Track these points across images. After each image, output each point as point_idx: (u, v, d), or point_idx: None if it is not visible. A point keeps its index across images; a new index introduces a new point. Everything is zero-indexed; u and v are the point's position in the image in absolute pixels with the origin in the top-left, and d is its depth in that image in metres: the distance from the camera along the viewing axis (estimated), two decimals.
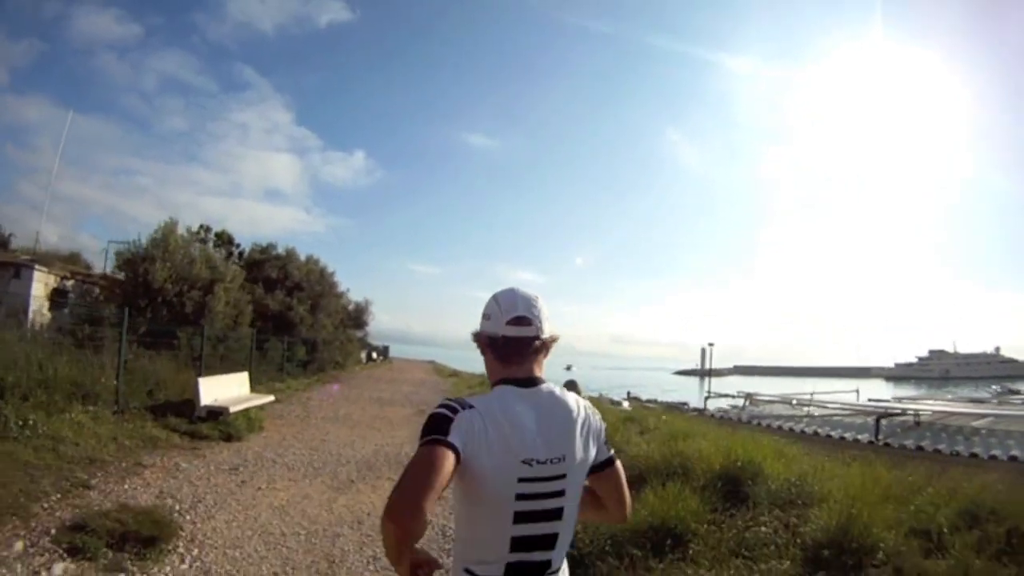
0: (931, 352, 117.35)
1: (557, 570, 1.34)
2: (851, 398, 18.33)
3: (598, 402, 22.16)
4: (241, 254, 22.33)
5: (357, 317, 26.60)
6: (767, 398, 16.89)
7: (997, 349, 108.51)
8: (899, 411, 11.33)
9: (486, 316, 1.40)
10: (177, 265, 12.76)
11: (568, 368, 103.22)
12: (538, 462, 1.26)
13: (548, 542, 1.30)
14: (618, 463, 1.47)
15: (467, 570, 1.29)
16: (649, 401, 50.58)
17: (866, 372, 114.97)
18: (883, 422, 10.27)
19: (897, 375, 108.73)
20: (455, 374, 31.62)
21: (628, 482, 1.51)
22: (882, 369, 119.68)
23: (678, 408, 45.25)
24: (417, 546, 1.13)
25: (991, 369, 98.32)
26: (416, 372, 33.19)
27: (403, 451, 8.93)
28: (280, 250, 21.74)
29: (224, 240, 22.58)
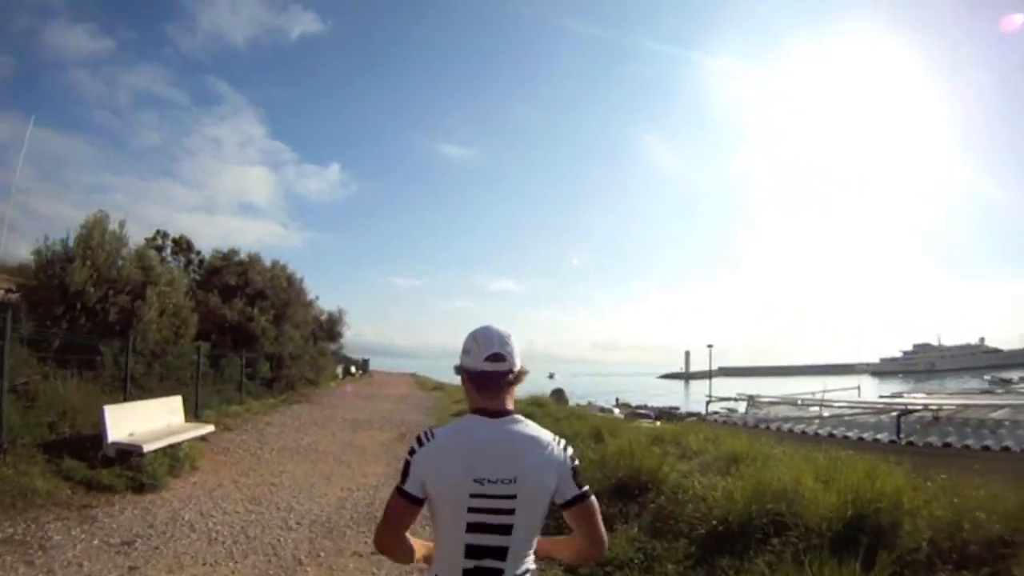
0: (916, 346, 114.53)
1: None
2: (852, 395, 16.78)
3: (585, 410, 19.57)
4: (202, 262, 19.89)
5: (330, 328, 23.84)
6: (769, 399, 15.60)
7: (982, 340, 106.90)
8: (920, 407, 10.27)
9: (466, 352, 1.52)
10: (101, 265, 10.32)
11: (551, 376, 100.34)
12: (489, 481, 1.40)
13: (499, 553, 1.43)
14: (591, 499, 1.49)
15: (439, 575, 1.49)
16: (639, 407, 48.73)
17: (850, 368, 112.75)
18: (902, 420, 9.35)
19: (883, 370, 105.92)
20: (439, 387, 29.14)
21: (705, 546, 2.18)
22: (867, 365, 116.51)
23: (670, 413, 43.40)
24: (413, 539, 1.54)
25: (976, 360, 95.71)
26: (398, 387, 30.63)
27: (377, 498, 6.58)
28: (244, 256, 19.30)
29: (182, 247, 20.10)
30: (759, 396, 16.09)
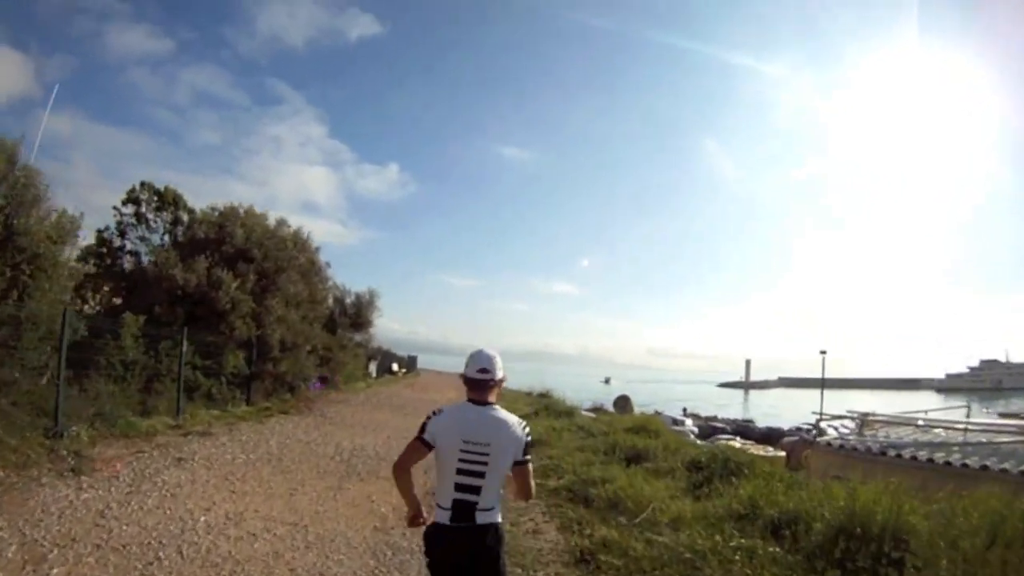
0: (983, 362, 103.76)
1: (486, 508, 2.27)
2: (961, 415, 13.97)
3: (656, 418, 17.51)
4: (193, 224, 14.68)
5: (357, 314, 18.17)
6: (883, 418, 12.79)
7: None
8: None
9: (466, 365, 2.38)
10: None
11: (607, 382, 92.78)
12: (472, 443, 2.25)
13: (475, 490, 2.25)
14: (529, 464, 2.37)
15: (438, 504, 2.28)
16: (710, 419, 41.72)
17: (915, 384, 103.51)
18: None
19: (948, 386, 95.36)
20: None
21: None
22: (931, 381, 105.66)
23: (747, 428, 35.69)
24: (418, 497, 2.40)
25: None
26: (446, 390, 24.28)
27: None
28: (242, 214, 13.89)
29: (168, 201, 14.95)
30: (873, 414, 13.20)
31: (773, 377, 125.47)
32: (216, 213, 14.03)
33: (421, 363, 48.35)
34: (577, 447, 8.99)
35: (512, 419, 2.34)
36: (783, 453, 15.04)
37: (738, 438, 25.52)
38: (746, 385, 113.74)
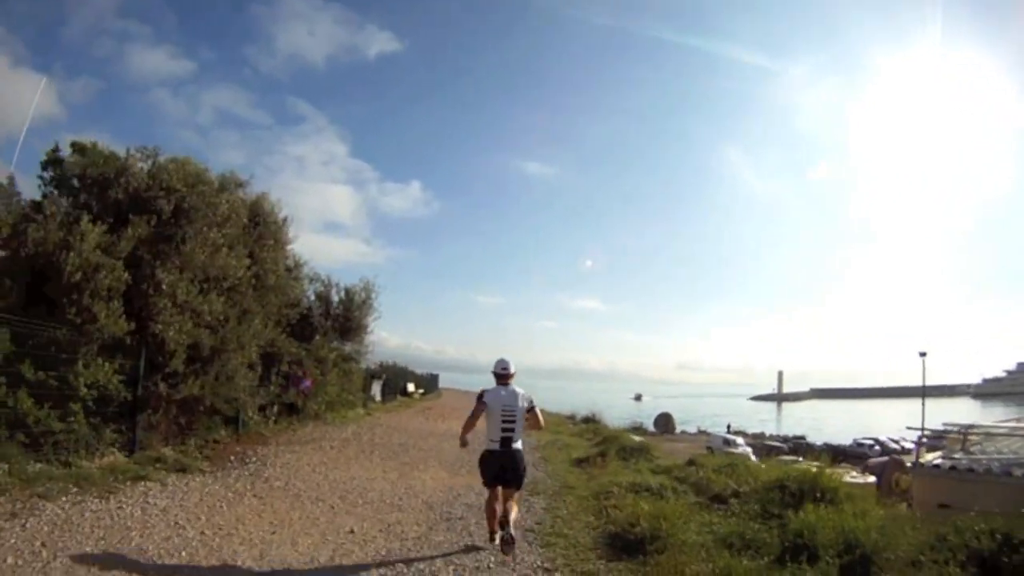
0: (1020, 364, 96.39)
1: (517, 440, 4.78)
2: None
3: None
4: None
5: (344, 316, 12.78)
6: (986, 429, 11.04)
7: None
8: None
9: (495, 365, 5.05)
10: None
11: (637, 398, 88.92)
12: (507, 406, 4.77)
13: (511, 430, 4.73)
14: (535, 408, 4.94)
15: (491, 439, 4.77)
16: (758, 436, 38.16)
17: (951, 390, 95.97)
18: None
19: (986, 391, 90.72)
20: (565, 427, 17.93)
21: None
22: (968, 386, 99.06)
23: (808, 445, 31.04)
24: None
25: None
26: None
27: None
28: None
29: (96, 162, 11.01)
30: (977, 425, 11.53)
31: (804, 388, 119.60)
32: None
33: (445, 382, 43.57)
34: (720, 537, 4.62)
35: (521, 392, 4.82)
36: (872, 478, 13.21)
37: (802, 459, 21.55)
38: (779, 397, 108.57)
